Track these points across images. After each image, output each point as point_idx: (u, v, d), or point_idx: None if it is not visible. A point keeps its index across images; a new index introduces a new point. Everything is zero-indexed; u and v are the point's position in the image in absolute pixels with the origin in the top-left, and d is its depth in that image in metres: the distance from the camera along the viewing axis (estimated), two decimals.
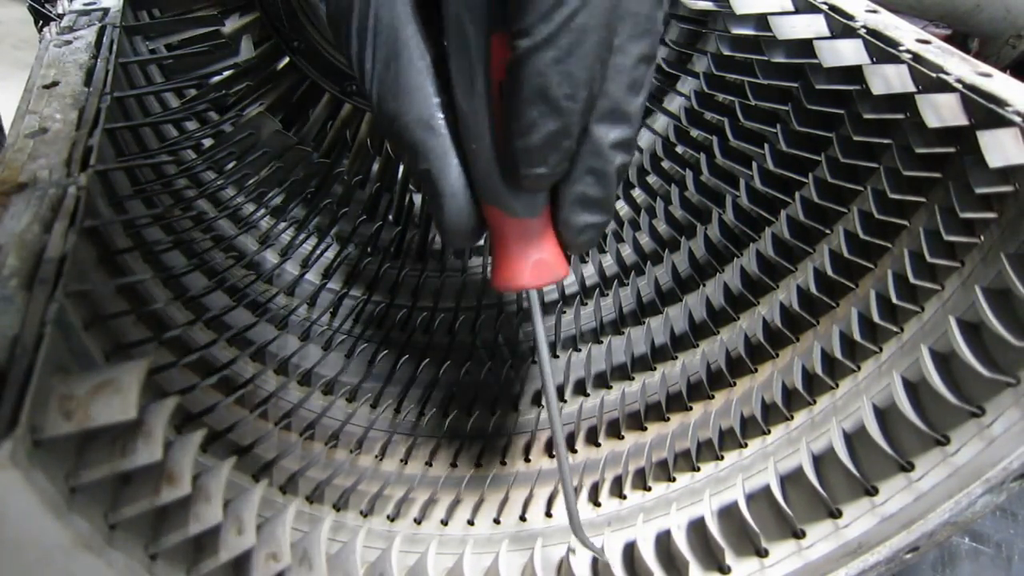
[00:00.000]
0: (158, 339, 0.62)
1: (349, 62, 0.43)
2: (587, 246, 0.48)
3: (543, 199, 0.45)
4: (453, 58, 0.40)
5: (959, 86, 0.55)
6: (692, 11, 0.86)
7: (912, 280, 0.62)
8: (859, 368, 0.66)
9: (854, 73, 0.63)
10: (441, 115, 0.43)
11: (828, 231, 0.75)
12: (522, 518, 0.72)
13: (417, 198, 1.03)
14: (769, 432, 0.70)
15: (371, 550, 0.64)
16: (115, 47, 0.65)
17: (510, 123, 0.40)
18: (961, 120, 0.54)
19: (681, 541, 0.63)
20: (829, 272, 0.72)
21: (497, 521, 0.72)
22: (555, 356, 0.92)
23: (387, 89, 0.42)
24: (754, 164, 0.83)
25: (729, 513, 0.66)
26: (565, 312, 0.95)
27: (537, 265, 0.47)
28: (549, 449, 0.80)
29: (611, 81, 0.41)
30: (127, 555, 0.37)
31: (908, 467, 0.56)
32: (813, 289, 0.74)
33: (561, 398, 0.87)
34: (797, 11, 0.69)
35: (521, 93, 0.38)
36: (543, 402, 0.58)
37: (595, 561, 0.66)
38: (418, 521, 0.71)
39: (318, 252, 0.93)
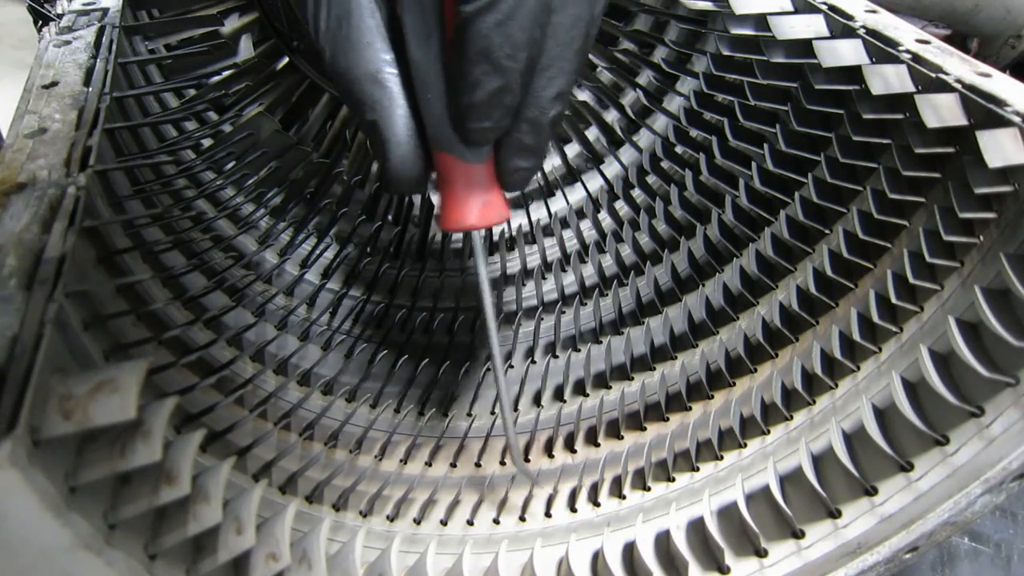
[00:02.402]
0: (158, 339, 0.62)
1: (304, 21, 0.46)
2: (520, 187, 0.54)
3: (489, 148, 0.50)
4: (408, 15, 0.44)
5: (958, 86, 0.55)
6: (692, 11, 0.86)
7: (911, 280, 0.62)
8: (858, 368, 0.66)
9: (853, 73, 0.63)
10: (389, 70, 0.46)
11: (827, 231, 0.75)
12: (521, 518, 0.72)
13: (417, 198, 1.03)
14: (768, 432, 0.70)
15: (370, 550, 0.64)
16: (114, 47, 0.65)
17: (457, 81, 0.44)
18: (960, 120, 0.54)
19: (680, 541, 0.63)
20: (828, 272, 0.72)
21: (496, 521, 0.72)
22: (555, 356, 0.92)
23: (338, 46, 0.45)
24: (753, 164, 0.83)
25: (728, 513, 0.66)
26: (565, 312, 0.95)
27: (483, 207, 0.52)
28: (549, 449, 0.80)
29: (550, 39, 0.44)
30: (127, 555, 0.37)
31: (907, 467, 0.56)
32: (812, 289, 0.74)
33: (561, 398, 0.87)
34: (796, 11, 0.69)
35: (467, 53, 0.42)
36: (488, 342, 0.63)
37: (595, 561, 0.66)
38: (417, 521, 0.71)
39: (317, 252, 0.93)
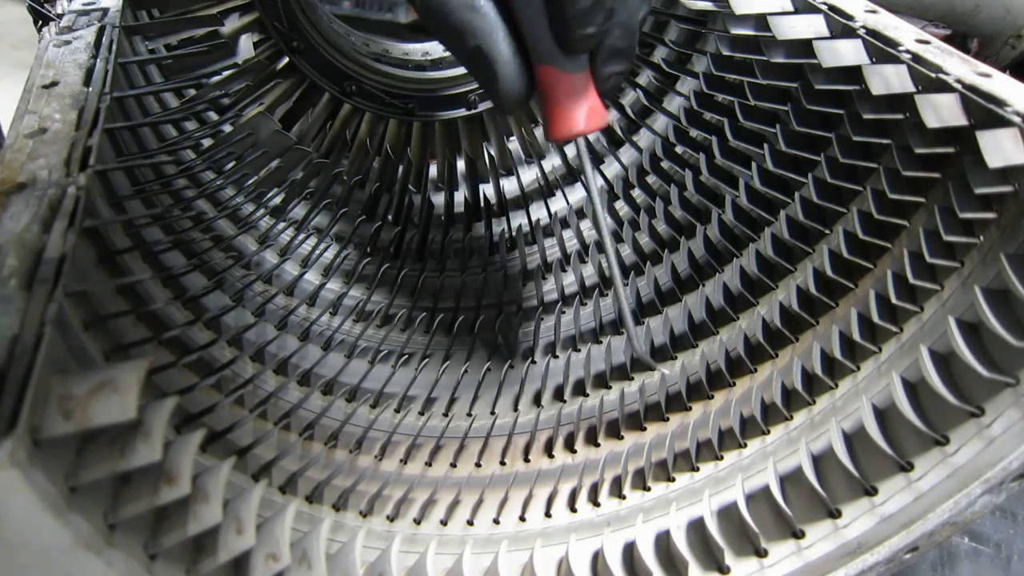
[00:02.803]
0: (158, 339, 0.62)
1: None
2: (616, 91, 0.60)
3: (586, 56, 0.53)
4: None
5: (958, 86, 0.55)
6: (692, 11, 0.86)
7: (911, 280, 0.62)
8: (859, 368, 0.66)
9: (853, 73, 0.63)
10: None
11: (827, 231, 0.75)
12: (521, 518, 0.72)
13: (417, 198, 1.03)
14: (768, 432, 0.70)
15: (370, 550, 0.64)
16: (114, 47, 0.65)
17: None
18: (960, 120, 0.54)
19: (680, 541, 0.63)
20: (829, 272, 0.72)
21: (496, 521, 0.72)
22: (555, 356, 0.92)
23: None
24: (753, 164, 0.83)
25: (728, 513, 0.66)
26: (565, 312, 0.95)
27: (589, 112, 0.55)
28: (549, 449, 0.80)
29: None
30: (127, 555, 0.37)
31: (907, 467, 0.56)
32: (813, 289, 0.74)
33: (561, 398, 0.87)
34: (797, 11, 0.69)
35: None
36: (603, 252, 0.66)
37: (595, 561, 0.66)
38: (417, 521, 0.71)
39: (317, 252, 0.93)
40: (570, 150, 1.07)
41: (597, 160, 1.05)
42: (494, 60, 0.50)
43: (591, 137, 1.05)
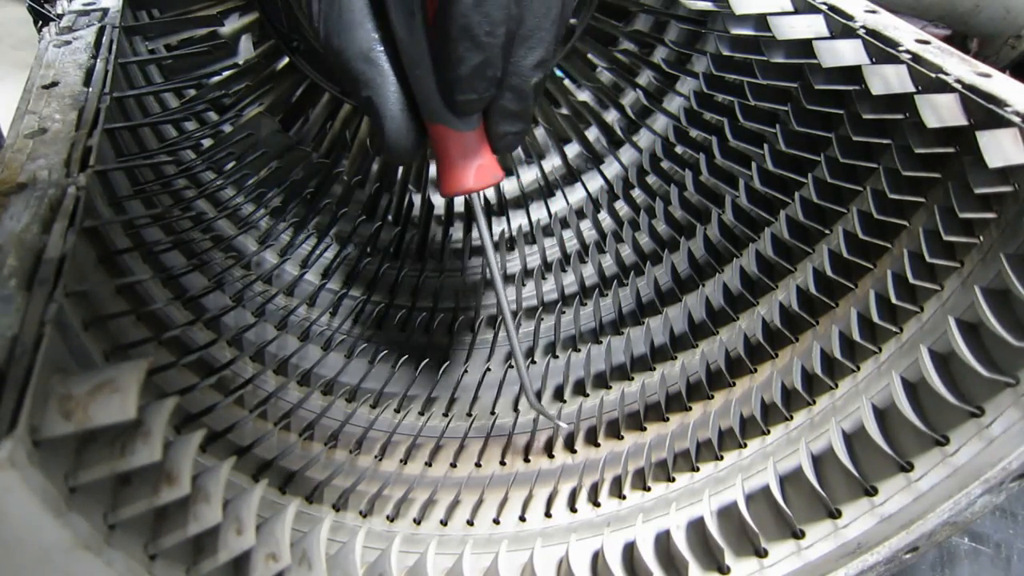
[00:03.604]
0: (158, 339, 0.62)
1: (297, 4, 0.49)
2: (510, 150, 0.58)
3: (478, 115, 0.54)
4: None
5: (958, 86, 0.55)
6: (692, 11, 0.86)
7: (911, 280, 0.62)
8: (858, 368, 0.66)
9: (853, 73, 0.63)
10: (380, 48, 0.49)
11: (827, 231, 0.75)
12: (521, 518, 0.72)
13: (417, 198, 1.03)
14: (768, 432, 0.70)
15: (370, 550, 0.64)
16: (114, 47, 0.65)
17: (441, 58, 0.47)
18: (960, 120, 0.54)
19: (680, 541, 0.63)
20: (828, 272, 0.72)
21: (496, 521, 0.72)
22: (555, 356, 0.92)
23: (331, 27, 0.48)
24: (753, 164, 0.83)
25: (728, 513, 0.66)
26: (565, 312, 0.95)
27: (479, 170, 0.56)
28: (549, 449, 0.80)
29: (527, 11, 0.47)
30: (127, 555, 0.37)
31: (907, 467, 0.56)
32: (812, 289, 0.74)
33: (561, 398, 0.87)
34: (796, 11, 0.69)
35: (449, 32, 0.45)
36: (498, 303, 0.67)
37: (595, 561, 0.66)
38: (417, 521, 0.71)
39: (317, 252, 0.93)
40: (571, 149, 1.07)
41: (597, 160, 1.05)
42: (382, 113, 0.51)
43: (591, 135, 1.05)
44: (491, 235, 0.64)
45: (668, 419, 0.79)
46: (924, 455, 0.55)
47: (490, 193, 1.06)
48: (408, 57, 0.48)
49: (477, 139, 0.55)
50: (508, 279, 1.02)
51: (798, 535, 0.60)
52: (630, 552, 0.65)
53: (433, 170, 1.05)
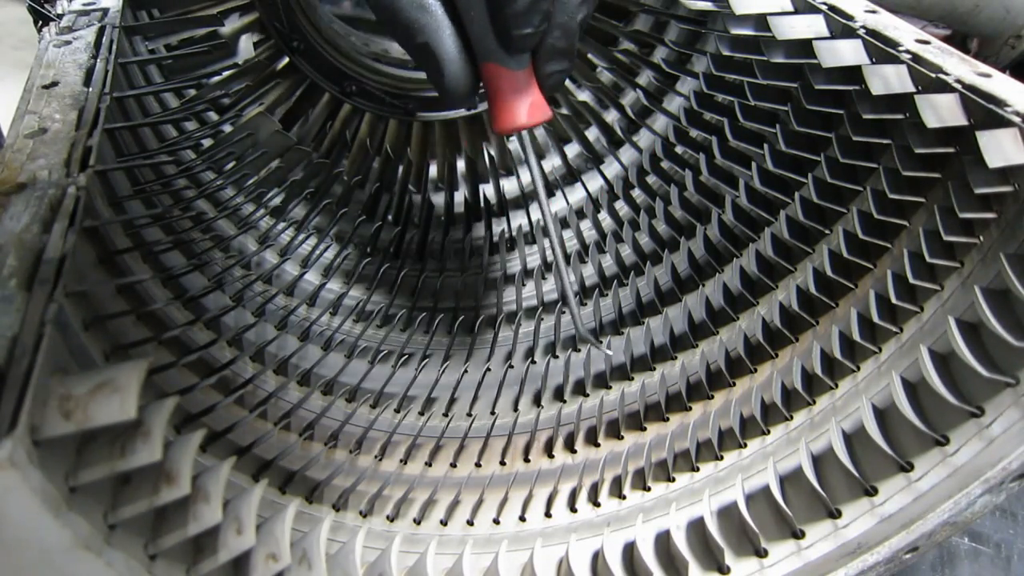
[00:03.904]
0: (158, 339, 0.62)
1: None
2: (557, 88, 0.63)
3: (528, 54, 0.56)
4: None
5: (958, 86, 0.55)
6: (692, 11, 0.86)
7: (911, 280, 0.62)
8: (858, 368, 0.66)
9: (853, 73, 0.63)
10: None
11: (827, 231, 0.75)
12: (521, 518, 0.72)
13: (417, 198, 1.03)
14: (768, 432, 0.70)
15: (370, 550, 0.64)
16: (114, 47, 0.65)
17: None
18: (960, 120, 0.54)
19: (680, 541, 0.63)
20: (828, 272, 0.72)
21: (496, 521, 0.72)
22: (555, 356, 0.92)
23: None
24: (753, 164, 0.83)
25: (728, 513, 0.66)
26: (565, 312, 0.95)
27: (531, 108, 0.58)
28: (549, 449, 0.80)
29: None
30: (127, 555, 0.37)
31: (907, 467, 0.56)
32: (812, 289, 0.74)
33: (561, 398, 0.87)
34: (796, 11, 0.69)
35: None
36: (551, 241, 0.68)
37: (595, 561, 0.66)
38: (417, 521, 0.71)
39: (317, 252, 0.93)
40: (571, 149, 1.07)
41: (597, 160, 1.05)
42: (440, 56, 0.53)
43: (591, 135, 1.05)
44: (543, 173, 0.66)
45: (668, 419, 0.79)
46: (924, 455, 0.55)
47: (490, 193, 1.06)
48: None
49: (527, 78, 0.57)
50: (508, 279, 1.02)
51: (798, 535, 0.60)
52: (630, 552, 0.65)
53: (434, 170, 1.06)
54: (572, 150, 1.07)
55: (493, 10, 0.51)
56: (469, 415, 0.85)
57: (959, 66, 0.57)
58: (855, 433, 0.63)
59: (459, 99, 0.57)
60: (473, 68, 0.55)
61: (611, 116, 1.05)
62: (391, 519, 0.71)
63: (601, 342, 0.82)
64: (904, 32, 0.63)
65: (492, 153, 1.06)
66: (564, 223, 1.05)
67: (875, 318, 0.65)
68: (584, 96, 1.05)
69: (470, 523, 0.72)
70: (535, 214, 1.06)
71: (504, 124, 0.59)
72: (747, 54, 0.77)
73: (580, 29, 0.55)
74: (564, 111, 1.04)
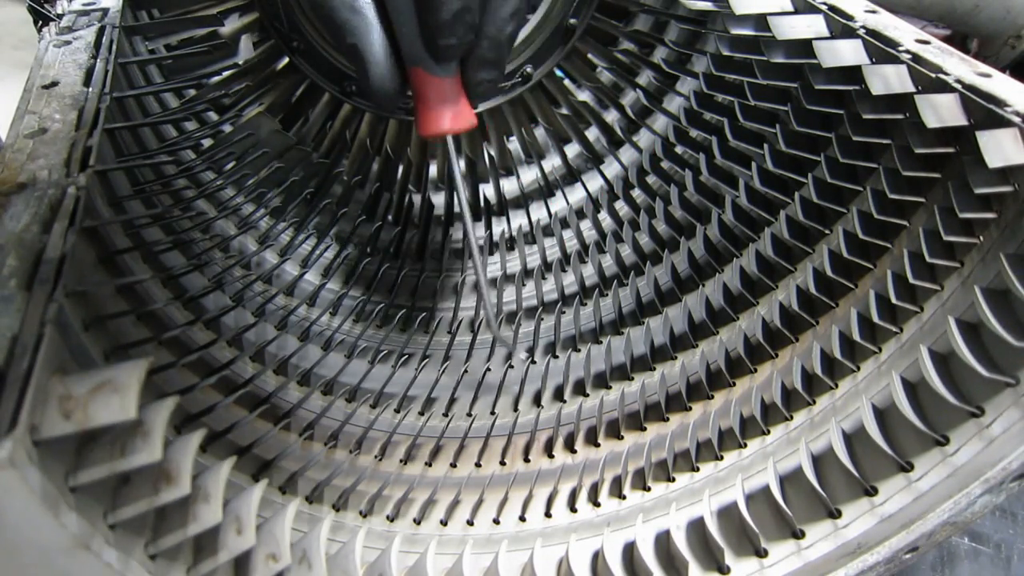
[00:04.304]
0: (158, 339, 0.62)
1: None
2: (485, 97, 0.69)
3: (456, 63, 0.58)
4: None
5: (958, 86, 0.55)
6: (692, 11, 0.86)
7: (911, 280, 0.62)
8: (858, 368, 0.66)
9: (853, 73, 0.63)
10: None
11: (827, 231, 0.75)
12: (521, 518, 0.72)
13: (417, 198, 1.03)
14: (768, 432, 0.70)
15: (370, 550, 0.64)
16: (114, 47, 0.65)
17: (424, 4, 0.51)
18: (960, 120, 0.54)
19: (680, 541, 0.63)
20: (828, 272, 0.72)
21: (496, 521, 0.72)
22: (555, 356, 0.91)
23: None
24: (753, 164, 0.83)
25: (728, 513, 0.66)
26: (565, 312, 0.95)
27: (454, 115, 0.61)
28: (549, 449, 0.80)
29: None
30: (127, 555, 0.37)
31: (907, 467, 0.56)
32: (812, 289, 0.74)
33: (561, 398, 0.87)
34: (796, 11, 0.69)
35: None
36: (463, 237, 0.75)
37: (595, 561, 0.66)
38: (417, 521, 0.71)
39: (317, 252, 0.93)
40: (571, 149, 1.07)
41: (597, 160, 1.05)
42: (367, 58, 0.55)
43: (591, 135, 1.05)
44: (462, 175, 0.69)
45: (668, 419, 0.79)
46: (924, 455, 0.55)
47: (490, 193, 1.06)
48: (393, 5, 0.53)
49: (454, 85, 0.59)
50: (508, 279, 1.02)
51: (798, 535, 0.60)
52: (630, 552, 0.65)
53: (433, 169, 1.06)
54: (572, 150, 1.07)
55: (421, 19, 0.53)
56: (469, 415, 0.85)
57: (959, 66, 0.57)
58: (855, 433, 0.63)
59: (385, 100, 0.58)
60: (400, 71, 0.57)
61: (611, 116, 1.05)
62: (391, 519, 0.71)
63: (530, 358, 0.88)
64: (904, 32, 0.63)
65: (492, 153, 1.06)
66: (564, 223, 1.05)
67: (875, 318, 0.65)
68: (584, 96, 1.05)
69: (470, 523, 0.72)
70: (535, 214, 1.06)
71: (427, 129, 0.61)
72: (747, 54, 0.77)
73: (509, 42, 0.57)
74: (564, 111, 1.04)
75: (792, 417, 0.69)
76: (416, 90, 0.59)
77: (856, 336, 0.67)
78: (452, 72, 0.59)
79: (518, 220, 1.07)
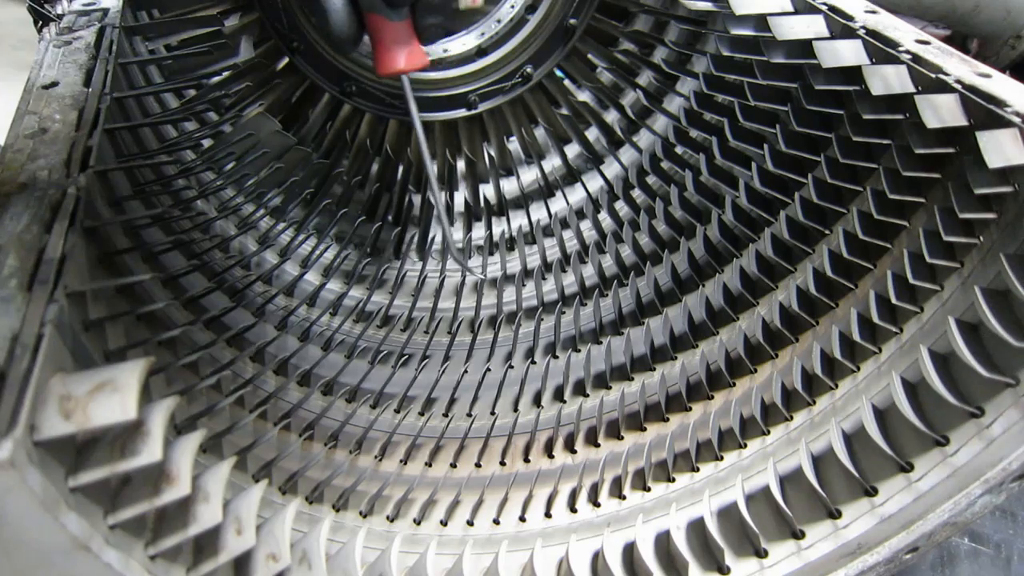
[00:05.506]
0: (158, 339, 0.62)
1: None
2: (434, 40, 0.75)
3: (407, 7, 0.67)
4: None
5: (958, 87, 0.55)
6: (692, 11, 0.86)
7: (911, 280, 0.62)
8: (858, 368, 0.66)
9: (853, 74, 0.63)
10: None
11: (827, 231, 0.75)
12: (521, 519, 0.72)
13: (416, 199, 1.03)
14: (768, 432, 0.70)
15: (371, 550, 0.64)
16: (114, 48, 0.65)
17: None
18: (960, 120, 0.54)
19: (681, 541, 0.63)
20: (828, 272, 0.72)
21: (496, 522, 0.72)
22: (555, 356, 0.91)
23: None
24: (753, 165, 0.83)
25: (728, 513, 0.66)
26: (565, 312, 0.95)
27: (408, 55, 0.70)
28: (549, 449, 0.80)
29: None
30: (127, 556, 0.37)
31: (907, 467, 0.56)
32: (812, 289, 0.74)
33: (561, 399, 0.87)
34: (797, 12, 0.69)
35: None
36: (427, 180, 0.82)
37: (595, 561, 0.66)
38: (417, 522, 0.71)
39: (317, 252, 0.93)
40: (571, 149, 1.07)
41: (597, 160, 1.05)
42: (325, 7, 0.64)
43: (591, 135, 1.05)
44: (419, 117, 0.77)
45: (668, 419, 0.79)
46: (924, 455, 0.55)
47: (490, 193, 1.06)
48: None
49: (407, 29, 0.68)
50: (508, 279, 1.02)
51: (798, 535, 0.60)
52: (630, 552, 0.65)
53: (434, 169, 1.06)
54: (572, 150, 1.07)
55: None
56: (469, 415, 0.85)
57: (959, 66, 0.57)
58: (855, 433, 0.63)
59: (343, 45, 0.68)
60: (357, 19, 0.66)
61: (611, 116, 1.05)
62: (391, 519, 0.71)
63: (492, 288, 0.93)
64: (904, 32, 0.63)
65: (492, 153, 1.06)
66: (564, 223, 1.05)
67: (875, 318, 0.65)
68: (584, 96, 1.05)
69: (470, 523, 0.72)
70: (535, 214, 1.06)
71: (385, 68, 0.70)
72: (747, 54, 0.77)
73: None
74: (564, 111, 1.04)
75: (792, 417, 0.69)
76: (373, 34, 0.69)
77: (856, 336, 0.67)
78: (405, 16, 0.68)
79: (518, 220, 1.07)
